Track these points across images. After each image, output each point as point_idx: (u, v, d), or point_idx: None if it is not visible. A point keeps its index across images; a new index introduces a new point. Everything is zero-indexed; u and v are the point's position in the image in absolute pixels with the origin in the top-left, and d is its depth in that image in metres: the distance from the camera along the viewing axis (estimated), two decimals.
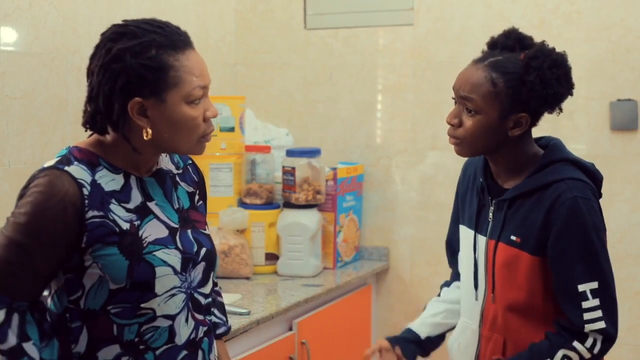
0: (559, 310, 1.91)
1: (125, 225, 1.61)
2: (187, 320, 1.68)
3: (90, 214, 1.57)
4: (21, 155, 2.53)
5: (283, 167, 3.21)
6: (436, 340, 2.20)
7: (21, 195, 1.60)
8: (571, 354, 1.86)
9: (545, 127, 3.21)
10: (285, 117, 3.62)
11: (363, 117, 3.51)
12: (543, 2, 3.21)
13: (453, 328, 2.19)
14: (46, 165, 1.61)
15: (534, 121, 1.93)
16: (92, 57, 1.63)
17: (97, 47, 1.63)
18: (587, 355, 1.86)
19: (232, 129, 3.23)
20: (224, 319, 1.95)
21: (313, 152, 3.23)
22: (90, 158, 1.63)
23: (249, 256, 3.07)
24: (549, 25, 3.20)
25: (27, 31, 2.57)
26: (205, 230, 1.79)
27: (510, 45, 1.93)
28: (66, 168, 1.58)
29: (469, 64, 1.95)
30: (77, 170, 1.59)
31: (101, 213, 1.58)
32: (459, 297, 2.16)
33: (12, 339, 1.54)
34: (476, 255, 2.02)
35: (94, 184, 1.60)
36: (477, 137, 1.90)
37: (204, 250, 1.73)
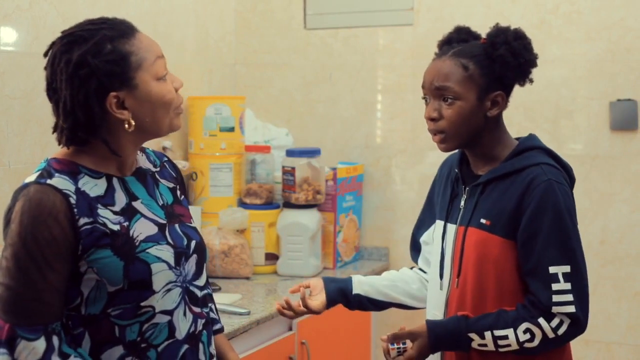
0: (526, 295, 1.91)
1: (116, 227, 1.61)
2: (185, 314, 1.69)
3: (82, 221, 1.58)
4: (21, 155, 2.53)
5: (283, 167, 3.22)
6: (365, 303, 2.19)
7: (7, 221, 1.59)
8: (535, 329, 1.86)
9: (545, 126, 3.23)
10: (285, 117, 3.62)
11: (363, 117, 3.51)
12: (543, 2, 3.21)
13: (392, 305, 2.21)
14: (27, 181, 1.60)
15: (508, 97, 1.97)
16: (51, 76, 1.62)
17: (52, 65, 1.62)
18: (550, 334, 1.86)
19: (232, 129, 3.23)
20: (218, 317, 1.96)
21: (313, 152, 3.24)
22: (70, 167, 1.63)
23: (248, 256, 3.07)
24: (549, 25, 3.20)
25: (27, 31, 2.57)
26: (191, 223, 1.80)
27: (463, 38, 2.00)
28: (48, 181, 1.58)
29: (431, 62, 1.99)
30: (60, 182, 1.59)
31: (91, 219, 1.59)
32: (412, 279, 2.20)
33: None
34: (444, 244, 2.03)
35: (79, 192, 1.60)
36: (460, 124, 1.92)
37: (193, 242, 1.75)
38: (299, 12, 3.59)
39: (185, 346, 1.68)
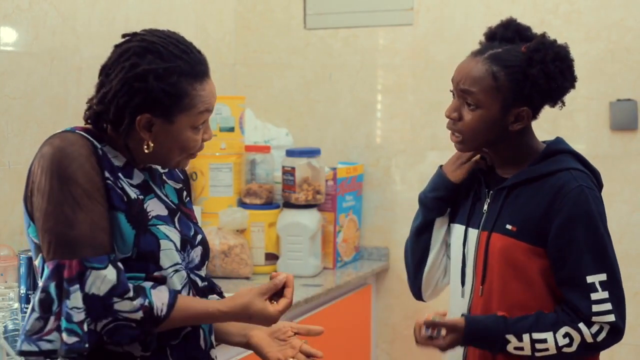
0: (556, 301, 1.87)
1: (133, 195, 1.64)
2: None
3: (106, 174, 1.60)
4: (21, 155, 2.53)
5: (283, 167, 3.22)
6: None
7: (38, 169, 1.58)
8: (574, 333, 1.82)
9: (545, 127, 3.23)
10: (284, 117, 3.62)
11: (363, 117, 3.51)
12: (543, 2, 3.22)
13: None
14: (50, 136, 1.62)
15: (535, 114, 1.90)
16: (113, 63, 1.64)
17: (120, 55, 1.64)
18: (589, 339, 1.82)
19: (232, 129, 3.23)
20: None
21: (313, 152, 3.24)
22: (94, 135, 1.65)
23: (248, 256, 3.07)
24: (548, 25, 3.19)
25: (26, 31, 2.57)
26: (197, 223, 1.82)
27: (509, 37, 1.90)
28: (75, 132, 1.61)
29: (467, 56, 1.92)
30: (85, 136, 1.62)
31: (112, 178, 1.61)
32: None
33: (130, 285, 1.56)
34: (465, 250, 1.96)
35: (102, 151, 1.63)
36: (477, 131, 1.86)
37: (199, 236, 1.77)
38: (299, 12, 3.59)
39: (188, 328, 1.69)
